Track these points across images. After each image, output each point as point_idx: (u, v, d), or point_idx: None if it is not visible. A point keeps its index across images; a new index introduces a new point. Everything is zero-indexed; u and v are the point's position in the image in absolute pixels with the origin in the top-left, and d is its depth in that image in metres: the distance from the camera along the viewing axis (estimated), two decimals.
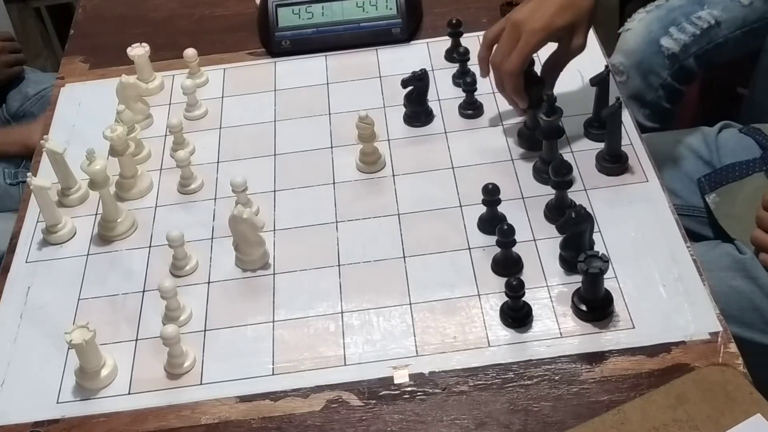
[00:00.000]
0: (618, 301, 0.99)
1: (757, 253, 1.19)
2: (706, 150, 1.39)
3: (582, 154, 1.16)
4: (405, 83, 1.22)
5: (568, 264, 1.02)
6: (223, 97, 1.35)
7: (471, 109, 1.25)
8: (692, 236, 1.07)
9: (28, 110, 1.76)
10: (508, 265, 1.03)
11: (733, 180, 1.31)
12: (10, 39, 1.81)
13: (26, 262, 1.13)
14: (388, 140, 1.23)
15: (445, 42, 1.35)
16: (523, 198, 1.12)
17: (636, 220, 1.08)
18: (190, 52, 1.35)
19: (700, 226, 1.35)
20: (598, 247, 1.04)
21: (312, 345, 1.00)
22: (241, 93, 1.35)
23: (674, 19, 1.67)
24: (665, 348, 0.94)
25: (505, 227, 1.01)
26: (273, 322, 1.02)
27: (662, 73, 1.62)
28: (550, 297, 1.01)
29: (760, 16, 1.66)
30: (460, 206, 1.12)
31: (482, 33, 1.19)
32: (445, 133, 1.23)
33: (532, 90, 1.13)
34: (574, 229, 1.00)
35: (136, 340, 1.02)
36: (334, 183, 1.18)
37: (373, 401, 0.94)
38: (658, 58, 1.62)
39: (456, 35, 1.32)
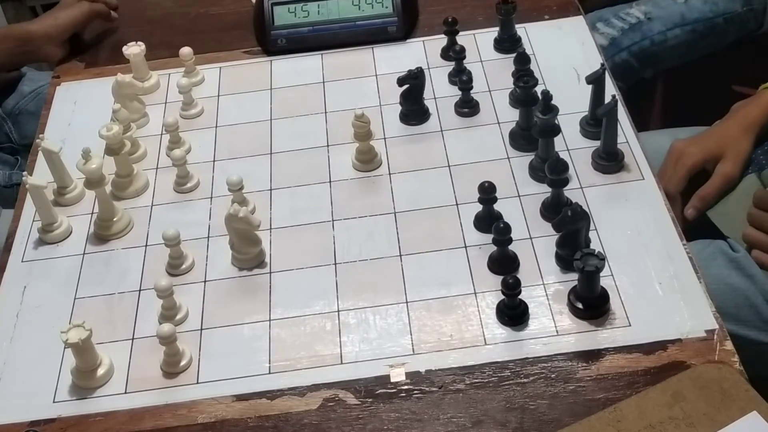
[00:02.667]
0: (614, 299, 0.99)
1: (749, 251, 1.19)
2: None
3: (578, 152, 1.16)
4: (401, 81, 1.22)
5: (565, 262, 1.02)
6: (219, 95, 1.34)
7: (467, 107, 1.25)
8: (686, 234, 1.07)
9: (23, 108, 1.75)
10: (504, 264, 1.03)
11: None
12: None
13: (22, 261, 1.13)
14: (384, 139, 1.23)
15: (441, 40, 1.35)
16: (519, 196, 1.12)
17: (632, 218, 1.08)
18: (185, 51, 1.34)
19: (694, 225, 1.35)
20: (594, 245, 1.04)
21: (308, 344, 1.00)
22: (237, 92, 1.35)
23: (601, 15, 1.70)
24: (661, 345, 0.94)
25: (501, 225, 1.01)
26: (269, 320, 1.02)
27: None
28: (547, 295, 1.01)
29: (701, 16, 1.67)
30: (457, 204, 1.12)
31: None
32: (441, 131, 1.23)
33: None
34: (571, 227, 1.00)
35: (133, 339, 1.02)
36: (330, 181, 1.18)
37: (370, 400, 0.94)
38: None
39: (452, 33, 1.32)
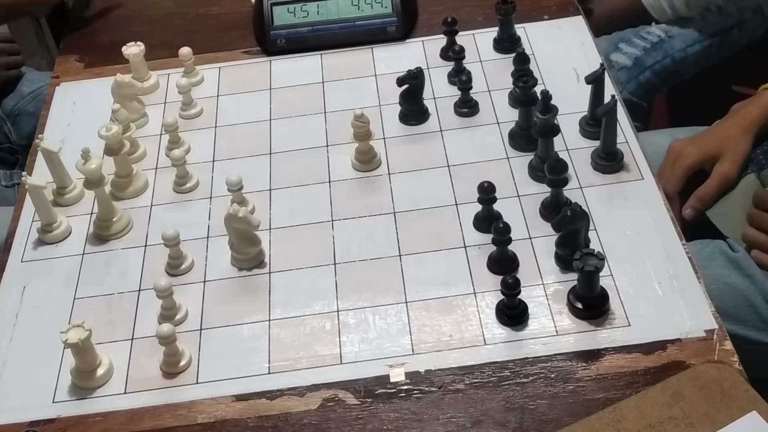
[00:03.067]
0: (614, 299, 0.99)
1: (749, 251, 1.19)
2: None
3: (577, 152, 1.17)
4: (400, 82, 1.22)
5: (564, 262, 1.02)
6: (218, 95, 1.34)
7: (466, 107, 1.25)
8: (686, 234, 1.07)
9: (23, 108, 1.75)
10: (503, 263, 1.03)
11: None
12: (9, 41, 1.80)
13: (22, 261, 1.13)
14: (384, 139, 1.23)
15: (441, 40, 1.35)
16: (518, 196, 1.12)
17: (631, 217, 1.08)
18: (185, 51, 1.34)
19: (694, 225, 1.35)
20: (594, 245, 1.04)
21: (308, 344, 1.00)
22: (237, 92, 1.35)
23: (623, 36, 1.70)
24: (661, 345, 0.94)
25: (501, 225, 1.01)
26: (269, 320, 1.02)
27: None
28: (546, 295, 1.01)
29: (718, 28, 1.67)
30: (456, 204, 1.12)
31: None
32: (441, 131, 1.23)
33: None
34: (570, 227, 1.00)
35: (132, 339, 1.02)
36: (329, 182, 1.18)
37: (369, 400, 0.94)
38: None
39: (451, 33, 1.32)
